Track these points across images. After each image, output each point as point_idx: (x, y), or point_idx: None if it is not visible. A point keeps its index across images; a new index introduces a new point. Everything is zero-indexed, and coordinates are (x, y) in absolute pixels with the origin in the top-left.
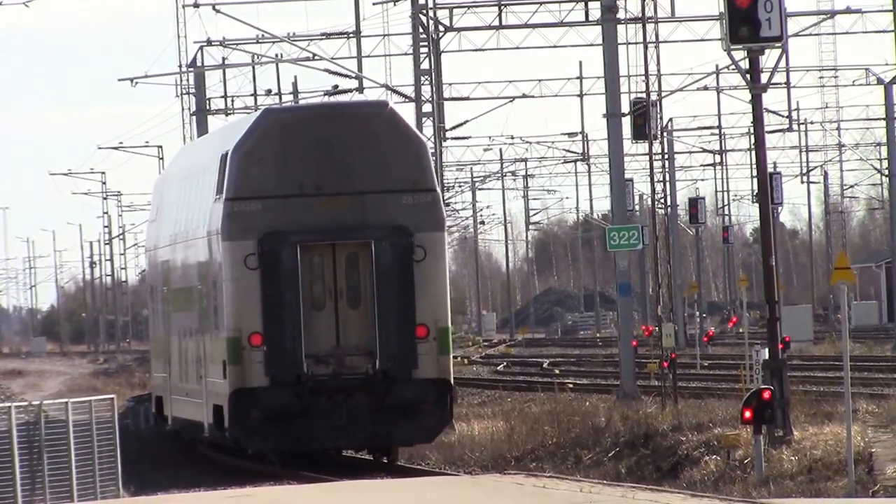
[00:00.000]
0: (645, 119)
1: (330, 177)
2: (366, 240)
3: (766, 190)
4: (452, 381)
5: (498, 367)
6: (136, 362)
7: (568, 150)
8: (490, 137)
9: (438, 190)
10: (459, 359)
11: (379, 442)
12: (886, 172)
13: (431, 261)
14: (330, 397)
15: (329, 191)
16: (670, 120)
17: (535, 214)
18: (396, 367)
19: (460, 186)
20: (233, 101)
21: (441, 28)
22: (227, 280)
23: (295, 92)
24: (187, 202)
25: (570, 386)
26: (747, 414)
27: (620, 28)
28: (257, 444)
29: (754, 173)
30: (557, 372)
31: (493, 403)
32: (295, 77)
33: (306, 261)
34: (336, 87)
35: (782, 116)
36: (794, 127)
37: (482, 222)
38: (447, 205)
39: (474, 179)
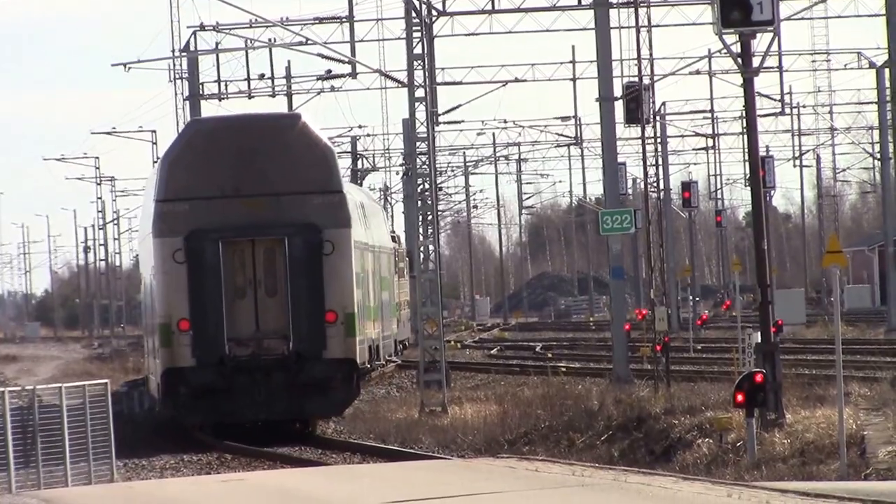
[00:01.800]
0: (638, 103)
1: (248, 180)
2: (280, 236)
3: (758, 174)
4: (358, 361)
5: (491, 351)
6: (129, 347)
7: (561, 135)
8: (483, 122)
9: (345, 191)
10: (453, 343)
11: (294, 414)
12: (878, 156)
13: (339, 254)
14: (250, 375)
15: (248, 192)
16: (663, 104)
17: (528, 198)
18: (308, 349)
19: (453, 171)
20: (226, 85)
21: (434, 12)
22: (159, 272)
23: (288, 77)
24: (146, 202)
25: (563, 370)
26: (740, 397)
27: (613, 12)
28: (186, 418)
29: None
30: (550, 356)
31: (487, 387)
32: (288, 62)
33: (228, 255)
34: (329, 71)
35: (774, 100)
36: (787, 111)
37: (475, 206)
38: (440, 188)
39: (467, 164)
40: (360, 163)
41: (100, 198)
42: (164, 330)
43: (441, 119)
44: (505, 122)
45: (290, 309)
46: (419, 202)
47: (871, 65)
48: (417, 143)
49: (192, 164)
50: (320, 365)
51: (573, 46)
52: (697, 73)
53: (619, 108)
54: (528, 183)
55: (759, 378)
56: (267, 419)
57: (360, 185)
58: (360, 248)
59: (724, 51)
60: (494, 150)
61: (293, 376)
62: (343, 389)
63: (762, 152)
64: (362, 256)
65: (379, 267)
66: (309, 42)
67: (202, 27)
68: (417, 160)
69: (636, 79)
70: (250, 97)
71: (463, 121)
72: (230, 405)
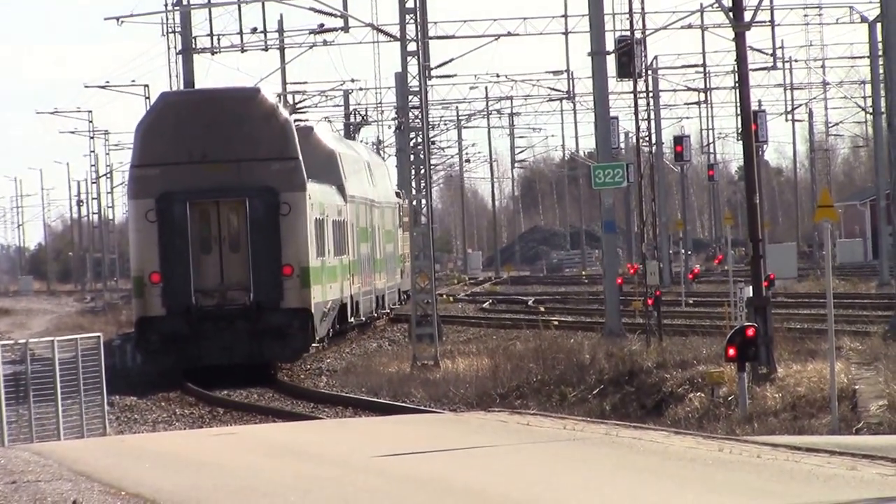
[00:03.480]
0: (630, 57)
1: (214, 148)
2: (242, 198)
3: (750, 128)
4: (313, 311)
5: (483, 305)
6: (123, 300)
7: (553, 89)
8: (475, 76)
9: (300, 158)
10: (445, 296)
11: (255, 358)
12: (871, 110)
13: (295, 215)
14: (215, 323)
15: (213, 159)
16: (655, 58)
17: (520, 153)
18: (267, 299)
19: (446, 125)
20: (219, 39)
21: None
22: (133, 231)
23: (280, 31)
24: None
25: (555, 324)
26: (731, 351)
27: None
28: (157, 362)
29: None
30: (542, 310)
31: (478, 341)
32: (280, 16)
33: (195, 215)
34: (321, 25)
35: (766, 55)
36: (779, 65)
37: (468, 160)
38: (433, 142)
39: (460, 118)
40: (352, 117)
41: (93, 151)
42: (137, 282)
43: (433, 73)
44: (497, 76)
45: (251, 263)
46: (412, 156)
47: (863, 19)
48: (410, 98)
49: (162, 133)
50: (278, 314)
51: (565, 0)
52: (689, 27)
53: (611, 62)
54: (520, 137)
55: (750, 332)
56: (230, 363)
57: (354, 138)
58: (367, 203)
59: (716, 5)
60: (487, 105)
61: (254, 324)
62: (299, 336)
63: (754, 107)
64: (368, 211)
65: (383, 221)
66: None
67: None
68: (410, 114)
69: (628, 33)
70: (243, 51)
71: (455, 75)
72: (197, 350)
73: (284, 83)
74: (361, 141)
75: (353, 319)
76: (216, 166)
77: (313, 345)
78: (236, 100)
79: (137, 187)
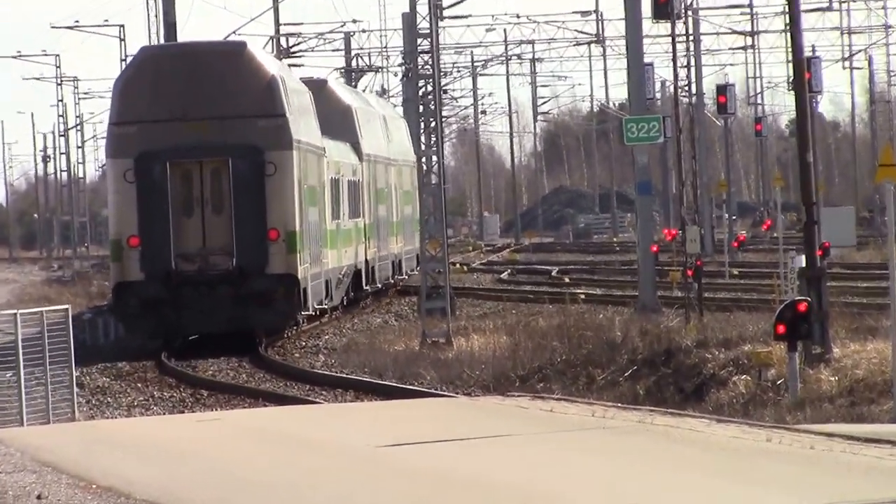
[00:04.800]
0: None
1: (195, 104)
2: (225, 157)
3: (803, 76)
4: (299, 277)
5: (501, 276)
6: (94, 269)
7: (580, 31)
8: (493, 16)
9: (288, 115)
10: (458, 266)
11: (238, 326)
12: None
13: (281, 175)
14: (195, 289)
15: (194, 116)
16: None
17: (543, 103)
18: (251, 264)
19: (459, 72)
20: None
21: None
22: (111, 192)
23: None
24: None
25: (582, 297)
26: (781, 329)
27: None
28: (135, 328)
29: (789, 57)
30: (568, 281)
31: (496, 316)
32: None
33: (176, 175)
34: None
35: None
36: (835, 5)
37: (484, 112)
38: (444, 92)
39: (475, 64)
40: (354, 62)
41: (61, 100)
42: (114, 246)
43: (445, 13)
44: (518, 16)
45: (234, 227)
46: (421, 107)
47: None
48: (419, 41)
49: (142, 89)
50: (262, 279)
51: None
52: None
53: (645, 1)
54: (543, 86)
55: (802, 307)
56: (212, 331)
57: (355, 87)
58: (384, 161)
59: None
60: (506, 49)
61: (237, 290)
62: (285, 303)
63: (807, 52)
64: (385, 171)
65: (401, 181)
66: None
67: None
68: (419, 59)
69: None
70: None
71: (470, 15)
72: (177, 317)
73: (277, 24)
74: (364, 90)
75: (368, 287)
76: (198, 124)
77: (304, 313)
78: (220, 54)
79: (115, 146)
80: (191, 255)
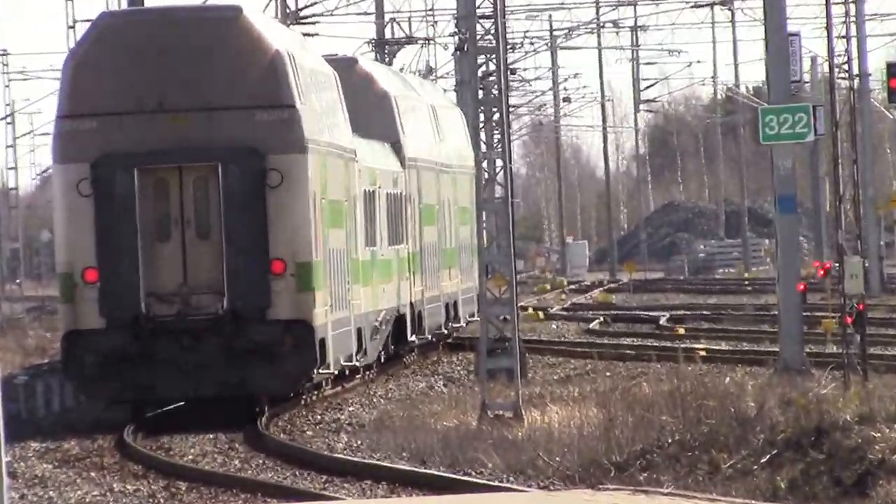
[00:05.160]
0: None
1: (174, 91)
2: (214, 162)
3: None
4: (315, 323)
5: (591, 325)
6: (30, 314)
7: None
8: None
9: (298, 105)
10: (531, 311)
11: (232, 390)
12: None
13: (289, 186)
14: (175, 340)
15: (172, 107)
16: None
17: (648, 87)
18: (249, 307)
19: (533, 44)
20: None
21: None
22: (59, 209)
23: None
24: None
25: (702, 354)
26: None
27: None
28: (93, 393)
29: None
30: (682, 332)
31: (583, 380)
32: None
33: (147, 186)
34: None
35: None
36: None
37: (567, 100)
38: (512, 72)
39: (554, 34)
40: (388, 31)
41: None
42: (65, 282)
43: None
44: None
45: (225, 256)
46: (480, 92)
47: None
48: (478, 2)
49: (102, 71)
50: (264, 327)
51: None
52: None
53: None
54: (648, 63)
55: None
56: (197, 396)
57: (390, 64)
58: (433, 168)
59: None
60: (598, 13)
61: (229, 341)
62: (295, 359)
63: None
64: (436, 180)
65: (456, 193)
66: None
67: None
68: (478, 28)
69: None
70: None
71: None
72: (150, 378)
73: None
74: (403, 70)
75: (414, 337)
76: (177, 118)
77: (320, 371)
78: (207, 23)
79: (66, 147)
80: (167, 295)
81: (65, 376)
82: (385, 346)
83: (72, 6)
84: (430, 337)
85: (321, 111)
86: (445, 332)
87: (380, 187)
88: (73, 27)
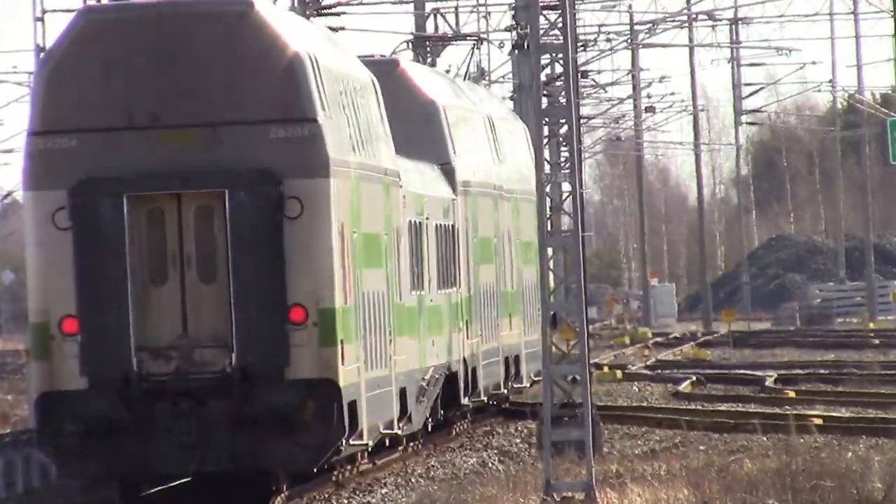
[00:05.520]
0: None
1: (171, 102)
2: (218, 188)
3: None
4: (342, 383)
5: (680, 387)
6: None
7: None
8: None
9: (322, 119)
10: (607, 369)
11: (243, 465)
12: None
13: (311, 217)
14: (172, 405)
15: (170, 121)
16: None
17: (751, 95)
18: (262, 363)
19: (608, 41)
20: None
21: None
22: (31, 244)
23: None
24: None
25: (818, 422)
26: None
27: None
28: (74, 469)
29: None
30: (793, 395)
31: (670, 455)
32: None
33: (139, 217)
34: None
35: None
36: None
37: (651, 109)
38: (584, 75)
39: (635, 27)
40: (430, 25)
41: None
42: (39, 333)
43: None
44: None
45: (233, 301)
46: (544, 100)
47: None
48: None
49: (84, 77)
50: (280, 389)
51: None
52: None
53: None
54: (751, 65)
55: None
56: (200, 472)
57: (432, 65)
58: (490, 194)
59: None
60: (689, 2)
61: (239, 406)
62: (318, 427)
63: None
64: (494, 208)
65: (519, 224)
66: None
67: None
68: (541, 20)
69: None
70: None
71: None
72: (143, 450)
73: None
74: (449, 71)
75: (467, 400)
76: (175, 135)
77: (351, 443)
78: (211, 20)
79: (39, 170)
80: (163, 349)
81: (39, 448)
82: (433, 410)
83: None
84: (486, 399)
85: (353, 125)
86: (505, 392)
87: (427, 218)
88: (41, 19)
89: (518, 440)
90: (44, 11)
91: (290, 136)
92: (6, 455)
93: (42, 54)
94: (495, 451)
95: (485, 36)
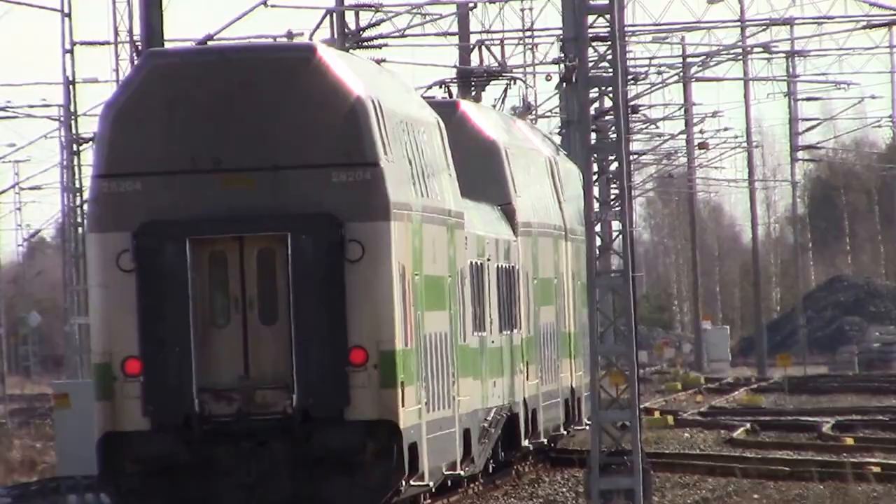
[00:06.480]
0: None
1: (234, 146)
2: (280, 231)
3: None
4: (403, 425)
5: (734, 434)
6: (16, 419)
7: (875, 4)
8: None
9: (383, 163)
10: (658, 415)
11: None
12: None
13: (371, 260)
14: (234, 445)
15: (232, 165)
16: None
17: (808, 130)
18: (323, 405)
19: (659, 73)
20: None
21: None
22: (95, 286)
23: None
24: None
25: (876, 470)
26: None
27: None
28: None
29: None
30: (851, 442)
31: (725, 503)
32: None
33: (202, 260)
34: None
35: None
36: None
37: (703, 146)
38: (634, 110)
39: (687, 60)
40: (477, 57)
41: None
42: (101, 374)
43: None
44: None
45: (294, 344)
46: (592, 135)
47: None
48: (590, 18)
49: (148, 121)
50: (340, 430)
51: None
52: None
53: None
54: (809, 99)
55: None
56: None
57: (479, 99)
58: (550, 234)
59: None
60: (742, 34)
61: (299, 447)
62: (378, 468)
63: None
64: (554, 250)
65: (579, 266)
66: None
67: None
68: (590, 52)
69: None
70: None
71: None
72: (203, 491)
73: None
74: (495, 107)
75: (528, 442)
76: (238, 179)
77: (412, 483)
78: (274, 66)
79: (103, 213)
80: (225, 391)
81: (101, 487)
82: (494, 452)
83: (69, 25)
84: (545, 440)
85: (417, 168)
86: (565, 432)
87: (489, 259)
88: (70, 51)
89: (565, 489)
90: (73, 43)
91: (352, 179)
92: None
93: (107, 99)
94: (541, 500)
95: (518, 75)
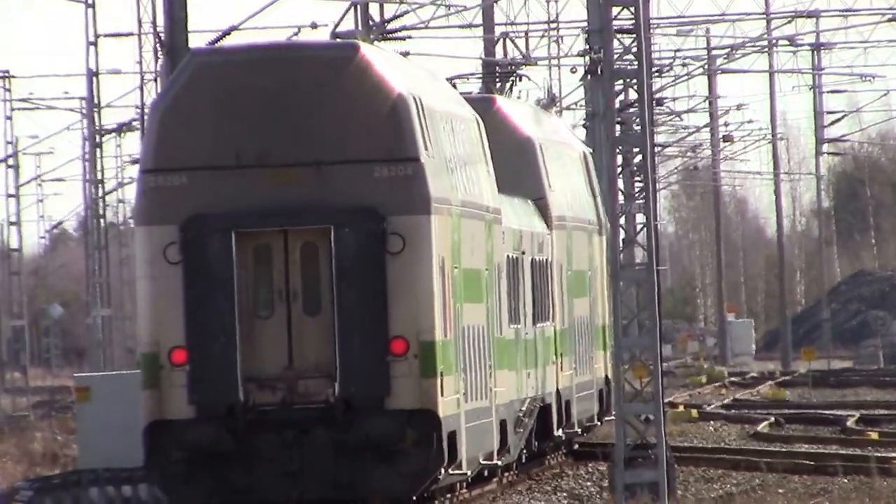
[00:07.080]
0: None
1: (278, 142)
2: (325, 225)
3: None
4: (442, 414)
5: (758, 428)
6: (37, 411)
7: None
8: None
9: (424, 158)
10: (682, 408)
11: (343, 492)
12: None
13: (412, 253)
14: (277, 434)
15: (277, 160)
16: None
17: (833, 123)
18: (364, 394)
19: (684, 65)
20: None
21: None
22: (142, 278)
23: None
24: None
25: None
26: None
27: None
28: (180, 496)
29: None
30: (875, 437)
31: (749, 499)
32: None
33: (247, 252)
34: None
35: None
36: None
37: (728, 138)
38: (659, 102)
39: (712, 52)
40: (501, 50)
41: None
42: (149, 363)
43: None
44: None
45: (337, 334)
46: (617, 127)
47: None
48: (614, 10)
49: (195, 117)
50: (381, 419)
51: None
52: None
53: None
54: (833, 91)
55: None
56: (302, 499)
57: (509, 93)
58: (583, 229)
59: None
60: (768, 27)
61: (341, 435)
62: (417, 456)
63: None
64: (588, 243)
65: None
66: None
67: None
68: (614, 43)
69: None
70: None
71: None
72: (245, 477)
73: None
74: (520, 97)
75: (560, 432)
76: (282, 173)
77: (451, 472)
78: (318, 63)
79: (151, 206)
80: (269, 380)
81: (147, 473)
82: (528, 442)
83: (93, 16)
84: (578, 430)
85: (456, 163)
86: (598, 422)
87: (524, 253)
88: (94, 44)
89: (589, 483)
90: (97, 35)
91: (393, 174)
92: (56, 496)
93: (155, 97)
94: (564, 495)
95: (556, 62)
